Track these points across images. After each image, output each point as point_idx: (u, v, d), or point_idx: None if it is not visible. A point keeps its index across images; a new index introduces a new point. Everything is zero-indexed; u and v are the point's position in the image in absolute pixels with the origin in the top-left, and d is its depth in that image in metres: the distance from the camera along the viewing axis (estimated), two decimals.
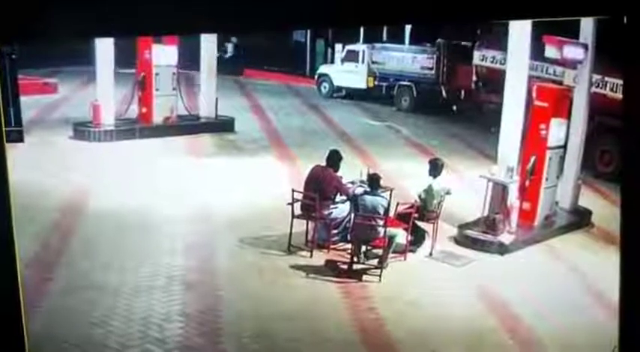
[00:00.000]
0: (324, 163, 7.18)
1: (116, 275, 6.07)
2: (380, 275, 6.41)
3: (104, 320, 5.28)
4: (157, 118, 11.92)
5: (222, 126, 12.80)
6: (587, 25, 8.19)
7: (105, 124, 11.27)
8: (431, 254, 7.08)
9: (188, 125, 12.43)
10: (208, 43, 12.66)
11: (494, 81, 14.25)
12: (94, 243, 6.84)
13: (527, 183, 7.74)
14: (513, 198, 7.55)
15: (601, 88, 10.91)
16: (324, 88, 18.39)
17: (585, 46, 8.29)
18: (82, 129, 11.22)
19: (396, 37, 18.10)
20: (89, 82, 14.21)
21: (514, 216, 7.53)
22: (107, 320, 5.30)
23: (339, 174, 7.20)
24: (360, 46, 17.80)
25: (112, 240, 6.96)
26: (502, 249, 7.26)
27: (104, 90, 11.29)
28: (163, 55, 11.73)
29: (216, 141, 12.06)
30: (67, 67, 17.12)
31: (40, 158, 9.85)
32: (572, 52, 8.44)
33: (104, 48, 11.04)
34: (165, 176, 9.44)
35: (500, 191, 7.48)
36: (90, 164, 9.78)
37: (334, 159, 7.16)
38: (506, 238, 7.35)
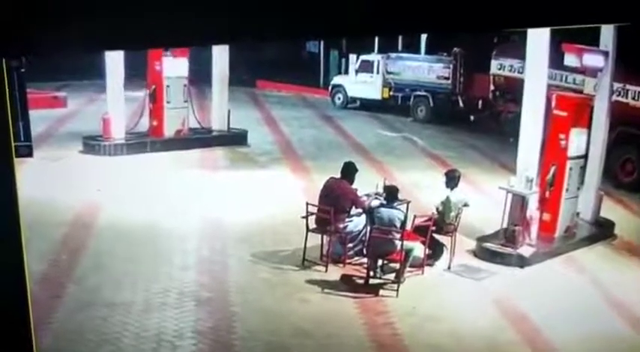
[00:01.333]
0: (338, 175, 7.19)
1: (127, 291, 6.08)
2: (397, 290, 6.38)
3: (116, 337, 5.30)
4: (169, 131, 12.00)
5: (234, 138, 12.86)
6: (607, 32, 8.15)
7: (115, 138, 11.35)
8: (449, 267, 7.06)
9: (200, 138, 12.48)
10: (220, 54, 12.74)
11: (512, 90, 14.23)
12: (104, 259, 6.85)
13: (547, 194, 7.69)
14: (533, 210, 7.51)
15: (622, 97, 10.83)
16: (338, 99, 18.46)
17: (605, 54, 8.24)
18: (92, 143, 11.32)
19: (412, 47, 18.14)
20: (98, 96, 14.43)
21: (534, 228, 7.49)
22: (119, 337, 5.31)
23: (354, 186, 7.20)
24: (374, 56, 17.83)
25: (123, 255, 6.96)
26: (522, 262, 7.22)
27: (114, 103, 11.39)
28: (174, 66, 11.83)
29: (228, 154, 12.09)
30: (76, 80, 17.31)
31: (50, 173, 9.94)
32: (591, 59, 8.39)
33: (114, 60, 11.16)
34: (176, 190, 9.47)
35: (519, 202, 7.44)
36: (100, 178, 9.83)
37: (349, 171, 7.16)
38: (526, 251, 7.32)
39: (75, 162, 10.79)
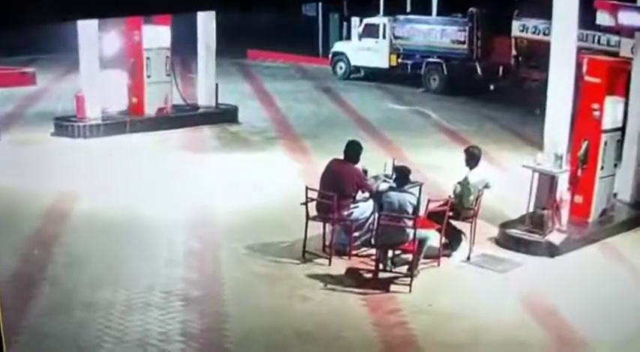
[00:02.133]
0: (341, 156, 7.16)
1: (107, 290, 6.08)
2: (410, 285, 6.36)
3: (95, 343, 5.29)
4: (150, 109, 11.95)
5: (223, 116, 12.82)
6: None
7: (90, 118, 11.31)
8: (469, 258, 7.02)
9: (185, 116, 12.45)
10: (206, 21, 12.62)
11: (536, 54, 14.14)
12: (81, 255, 6.85)
13: (579, 172, 7.64)
14: (563, 191, 7.46)
15: None
16: (340, 68, 18.37)
17: None
18: (65, 125, 11.28)
19: (422, 7, 17.97)
20: (71, 71, 14.36)
21: (565, 212, 7.46)
22: (98, 342, 5.31)
23: (360, 167, 7.16)
24: (380, 19, 17.71)
25: (102, 250, 6.97)
26: (552, 251, 7.18)
27: (89, 79, 11.33)
28: (155, 36, 11.72)
29: (217, 134, 12.07)
30: (46, 54, 17.24)
31: (19, 158, 9.91)
32: (628, 17, 8.24)
33: (87, 31, 11.07)
34: (160, 175, 9.45)
35: (547, 182, 7.37)
36: (75, 164, 9.83)
37: (353, 150, 7.11)
38: (556, 237, 7.28)
39: (46, 145, 10.76)
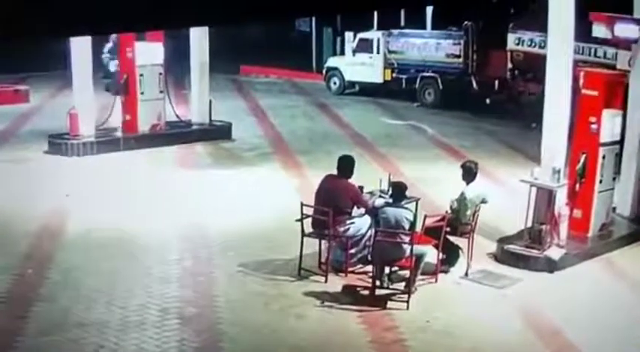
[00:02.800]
0: (335, 172, 7.20)
1: (101, 309, 6.07)
2: (407, 302, 6.34)
3: None
4: (143, 126, 11.97)
5: (217, 132, 12.84)
6: None
7: (84, 135, 11.32)
8: (466, 274, 7.01)
9: (178, 133, 12.48)
10: (199, 37, 12.68)
11: (533, 68, 14.20)
12: (75, 273, 6.83)
13: (577, 186, 7.66)
14: (562, 205, 7.46)
15: None
16: (334, 83, 18.44)
17: None
18: (59, 142, 11.28)
19: (416, 21, 18.08)
20: (64, 88, 14.40)
21: (563, 227, 7.44)
22: None
23: (356, 183, 7.15)
24: (374, 34, 17.79)
25: (96, 268, 6.95)
26: (551, 266, 7.18)
27: (82, 96, 11.35)
28: (148, 53, 11.78)
29: (211, 151, 12.08)
30: (39, 71, 17.26)
31: (13, 177, 9.92)
32: (624, 29, 8.33)
33: (80, 48, 11.11)
34: (154, 193, 9.45)
35: (545, 197, 7.37)
36: (69, 182, 9.81)
37: (346, 165, 7.10)
38: (555, 253, 7.28)
39: (40, 164, 10.76)
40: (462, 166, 7.29)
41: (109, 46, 14.62)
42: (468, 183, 7.15)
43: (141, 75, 11.74)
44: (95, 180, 10.00)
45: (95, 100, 11.68)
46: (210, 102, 12.88)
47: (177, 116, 12.74)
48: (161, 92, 12.12)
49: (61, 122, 11.55)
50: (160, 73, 12.05)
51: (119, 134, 11.75)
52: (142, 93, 11.81)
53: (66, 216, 8.41)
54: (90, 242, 7.60)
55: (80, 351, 5.41)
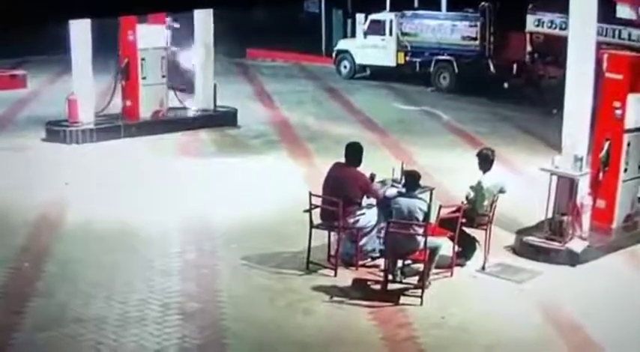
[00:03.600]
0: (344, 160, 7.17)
1: (100, 304, 6.07)
2: (421, 297, 6.31)
3: None
4: (145, 113, 11.96)
5: (222, 119, 12.83)
6: None
7: (83, 122, 11.33)
8: (483, 268, 6.98)
9: (181, 119, 12.47)
10: (203, 19, 12.59)
11: (553, 50, 14.11)
12: (73, 266, 6.84)
13: (600, 175, 7.58)
14: (584, 195, 7.40)
15: None
16: (345, 67, 18.38)
17: None
18: (57, 129, 11.30)
19: (431, 2, 17.91)
20: (63, 73, 14.41)
21: (586, 218, 7.38)
22: None
23: (367, 171, 7.10)
24: (386, 15, 17.70)
25: (95, 261, 6.95)
26: (573, 259, 7.13)
27: (81, 81, 11.35)
28: (150, 36, 11.73)
29: (215, 138, 12.08)
30: (37, 55, 17.29)
31: (9, 165, 9.94)
32: None
33: (80, 31, 11.07)
34: (156, 182, 9.44)
35: (567, 186, 7.32)
36: (67, 171, 9.81)
37: (353, 152, 7.05)
38: (577, 245, 7.22)
39: (37, 152, 10.78)
40: (478, 154, 7.25)
41: (167, 33, 12.54)
42: (484, 172, 7.11)
43: (142, 59, 11.71)
44: (94, 168, 10.01)
45: (95, 85, 11.68)
46: (215, 86, 12.84)
47: (180, 102, 12.72)
48: (163, 77, 12.09)
49: (59, 108, 11.56)
50: (163, 57, 12.03)
51: (119, 121, 11.74)
52: (144, 78, 11.78)
53: (64, 207, 8.42)
54: (89, 233, 7.61)
55: (78, 348, 5.41)
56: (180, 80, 12.68)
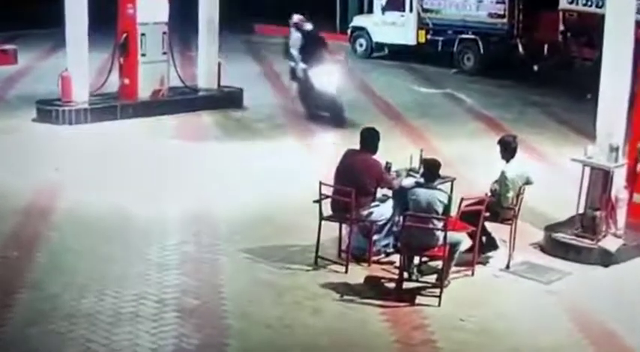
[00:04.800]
0: (358, 146, 7.15)
1: (92, 298, 6.08)
2: (439, 297, 6.29)
3: None
4: (144, 92, 11.97)
5: (226, 100, 12.86)
6: None
7: (77, 101, 11.35)
8: (508, 266, 6.95)
9: (183, 100, 12.47)
10: None
11: (588, 30, 14.00)
12: (64, 257, 6.85)
13: (638, 167, 7.52)
14: (620, 188, 7.35)
15: None
16: (360, 45, 18.37)
17: None
18: (49, 109, 11.32)
19: None
20: (56, 48, 14.44)
21: (621, 213, 7.34)
22: None
23: (383, 159, 7.10)
24: None
25: (88, 252, 6.97)
26: (606, 259, 7.09)
27: (76, 57, 11.36)
28: (151, 9, 11.72)
29: (218, 121, 12.09)
30: (28, 29, 17.34)
31: None
32: None
33: (75, 3, 11.08)
34: (154, 167, 9.44)
35: (601, 179, 7.27)
36: (59, 154, 9.84)
37: (369, 138, 7.04)
38: (610, 243, 7.18)
39: (27, 133, 10.81)
40: (500, 141, 7.22)
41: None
42: (507, 161, 7.08)
43: (142, 34, 11.71)
44: (88, 152, 10.03)
45: (90, 62, 11.68)
46: (220, 65, 12.84)
47: (181, 81, 12.72)
48: (164, 54, 12.09)
49: (52, 86, 11.55)
50: (164, 33, 12.03)
51: (116, 101, 11.75)
52: (143, 54, 11.78)
53: (55, 193, 8.44)
54: (82, 222, 7.62)
55: (66, 345, 5.41)
56: (315, 105, 11.63)
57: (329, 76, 11.29)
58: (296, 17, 11.90)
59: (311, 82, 11.51)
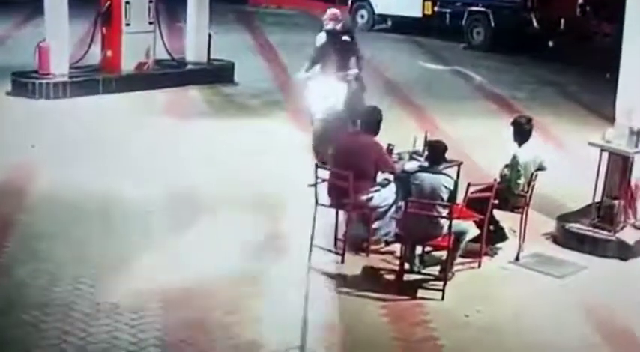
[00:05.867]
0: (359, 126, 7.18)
1: (68, 286, 6.05)
2: (443, 290, 6.27)
3: None
4: (128, 65, 11.96)
5: (216, 74, 12.85)
6: None
7: (56, 74, 11.32)
8: (517, 258, 6.94)
9: (170, 74, 12.45)
10: None
11: (608, 3, 13.87)
12: (39, 242, 6.82)
13: None
14: None
15: None
16: (362, 17, 18.41)
17: None
18: (25, 82, 11.29)
19: None
20: (34, 16, 14.34)
21: None
22: (54, 351, 5.26)
23: (384, 141, 7.06)
24: None
25: (64, 236, 6.94)
26: (623, 252, 7.08)
27: (55, 26, 11.29)
28: None
29: (208, 96, 12.08)
30: None
31: None
32: None
33: None
34: (137, 146, 9.40)
35: (620, 165, 7.25)
36: (35, 130, 9.78)
37: (371, 118, 7.05)
38: (629, 235, 7.18)
39: (1, 108, 10.78)
40: (513, 122, 7.19)
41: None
42: (520, 144, 7.05)
43: (127, 2, 11.69)
44: (67, 129, 9.97)
45: (71, 32, 11.63)
46: (210, 36, 12.80)
47: (168, 53, 12.67)
48: (151, 24, 12.07)
49: (28, 57, 11.49)
50: (150, 1, 12.00)
51: (98, 74, 11.73)
52: (128, 24, 11.76)
53: (30, 173, 8.41)
54: (58, 204, 7.59)
55: (39, 337, 5.37)
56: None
57: (330, 91, 8.94)
58: (330, 12, 9.58)
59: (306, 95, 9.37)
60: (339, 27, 9.37)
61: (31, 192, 7.89)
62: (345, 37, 9.23)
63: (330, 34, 9.23)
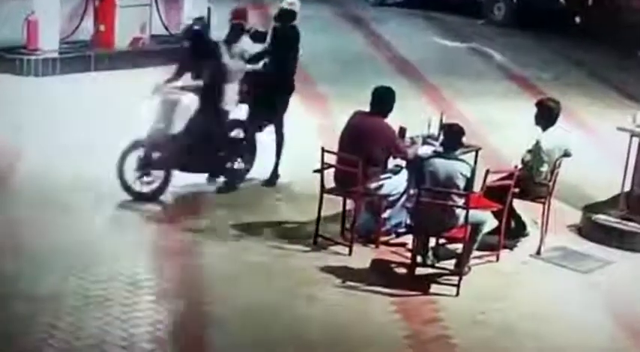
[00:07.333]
0: (368, 108, 7.10)
1: (55, 278, 6.09)
2: (458, 286, 6.26)
3: (37, 347, 5.28)
4: (122, 40, 11.97)
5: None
6: None
7: (45, 50, 11.32)
8: (539, 252, 6.96)
9: (167, 50, 12.17)
10: None
11: None
12: (24, 230, 6.86)
13: None
14: None
15: None
16: None
17: None
18: (12, 58, 11.28)
19: None
20: None
21: None
22: (41, 345, 5.28)
23: (396, 124, 7.05)
24: None
25: (50, 223, 6.96)
26: None
27: None
28: None
29: None
30: None
31: None
32: None
33: None
34: (130, 128, 9.06)
35: None
36: (22, 110, 9.78)
37: (383, 99, 7.01)
38: None
39: None
40: (538, 104, 7.15)
41: None
42: (544, 129, 7.02)
43: None
44: (56, 108, 9.97)
45: (61, 4, 11.60)
46: (209, 10, 12.64)
47: (165, 28, 12.67)
48: None
49: (15, 32, 11.49)
50: None
51: (90, 50, 11.73)
52: None
53: (15, 155, 8.42)
54: (44, 188, 7.61)
55: (26, 332, 5.41)
56: None
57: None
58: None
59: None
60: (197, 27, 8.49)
61: (15, 176, 7.91)
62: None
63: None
